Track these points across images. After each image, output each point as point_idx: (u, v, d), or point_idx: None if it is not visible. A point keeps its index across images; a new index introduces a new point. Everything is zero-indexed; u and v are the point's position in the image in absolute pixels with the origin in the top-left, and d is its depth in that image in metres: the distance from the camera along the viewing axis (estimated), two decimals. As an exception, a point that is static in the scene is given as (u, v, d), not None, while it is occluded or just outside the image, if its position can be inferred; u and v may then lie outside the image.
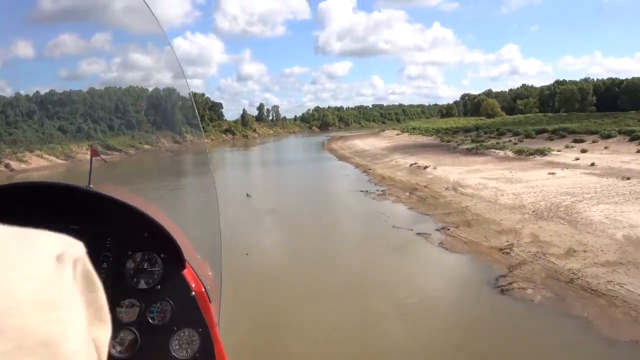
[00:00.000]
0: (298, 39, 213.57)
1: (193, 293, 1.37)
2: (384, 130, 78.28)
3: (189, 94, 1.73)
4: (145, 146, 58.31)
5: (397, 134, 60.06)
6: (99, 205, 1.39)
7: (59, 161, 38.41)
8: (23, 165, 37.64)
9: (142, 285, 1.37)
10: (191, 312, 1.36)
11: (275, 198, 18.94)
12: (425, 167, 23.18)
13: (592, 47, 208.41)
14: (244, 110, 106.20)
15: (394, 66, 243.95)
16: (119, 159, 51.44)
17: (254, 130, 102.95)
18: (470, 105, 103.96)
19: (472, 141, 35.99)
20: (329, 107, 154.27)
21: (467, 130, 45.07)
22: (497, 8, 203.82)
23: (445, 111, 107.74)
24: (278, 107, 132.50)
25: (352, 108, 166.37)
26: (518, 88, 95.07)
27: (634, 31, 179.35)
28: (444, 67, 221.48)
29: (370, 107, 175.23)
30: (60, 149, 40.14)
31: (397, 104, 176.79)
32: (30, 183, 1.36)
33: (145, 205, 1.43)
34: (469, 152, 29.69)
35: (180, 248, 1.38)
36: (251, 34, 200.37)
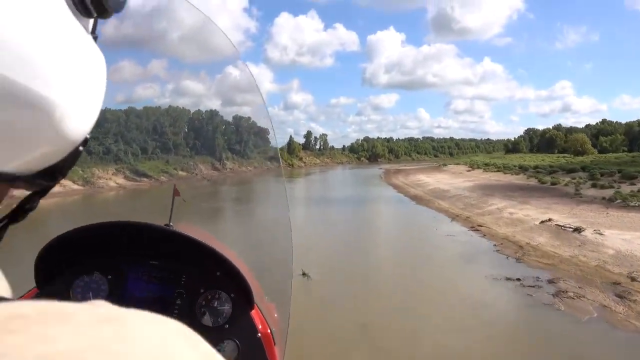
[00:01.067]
0: (345, 70, 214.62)
1: (259, 334, 1.36)
2: (445, 165, 69.68)
3: (266, 112, 1.67)
4: (180, 172, 51.85)
5: (468, 170, 51.41)
6: (177, 243, 1.43)
7: (75, 187, 33.00)
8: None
9: (212, 323, 1.38)
10: (256, 353, 1.35)
11: (350, 281, 11.00)
12: (579, 230, 14.78)
13: None
14: (290, 137, 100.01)
15: (440, 100, 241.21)
16: (147, 186, 45.30)
17: (301, 159, 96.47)
18: (540, 140, 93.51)
19: (593, 185, 27.09)
20: (377, 137, 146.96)
21: (569, 170, 35.99)
22: (551, 44, 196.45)
23: (512, 146, 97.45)
24: (326, 135, 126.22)
25: (401, 140, 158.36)
26: (598, 123, 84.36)
27: None
28: (493, 102, 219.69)
29: (421, 139, 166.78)
30: (80, 172, 34.67)
31: (442, 137, 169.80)
32: (113, 223, 1.38)
33: (220, 245, 1.44)
34: (609, 202, 20.94)
35: (250, 289, 1.38)
36: (300, 64, 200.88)
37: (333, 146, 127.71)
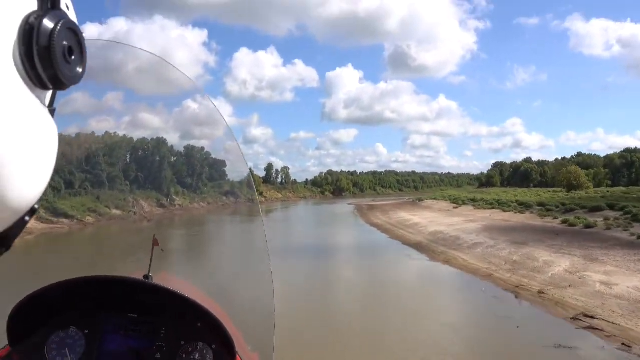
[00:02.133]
0: (305, 105, 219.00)
1: None
2: (421, 200, 63.33)
3: (232, 137, 1.79)
4: (114, 211, 43.44)
5: (455, 207, 44.97)
6: (156, 295, 1.40)
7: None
8: None
9: None
10: None
11: None
12: None
13: (595, 124, 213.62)
14: (250, 170, 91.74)
15: (398, 135, 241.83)
16: (66, 229, 36.25)
17: (261, 194, 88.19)
18: (512, 173, 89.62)
19: (625, 229, 20.81)
20: (341, 171, 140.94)
21: (593, 209, 29.81)
22: (502, 83, 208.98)
23: (485, 180, 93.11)
24: (288, 168, 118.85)
25: (365, 173, 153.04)
26: (573, 157, 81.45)
27: (636, 110, 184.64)
28: (448, 138, 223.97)
29: (384, 172, 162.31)
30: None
31: (403, 171, 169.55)
32: (90, 278, 1.37)
33: (198, 294, 1.43)
34: None
35: (232, 340, 1.36)
36: (260, 98, 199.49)
37: (295, 180, 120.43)
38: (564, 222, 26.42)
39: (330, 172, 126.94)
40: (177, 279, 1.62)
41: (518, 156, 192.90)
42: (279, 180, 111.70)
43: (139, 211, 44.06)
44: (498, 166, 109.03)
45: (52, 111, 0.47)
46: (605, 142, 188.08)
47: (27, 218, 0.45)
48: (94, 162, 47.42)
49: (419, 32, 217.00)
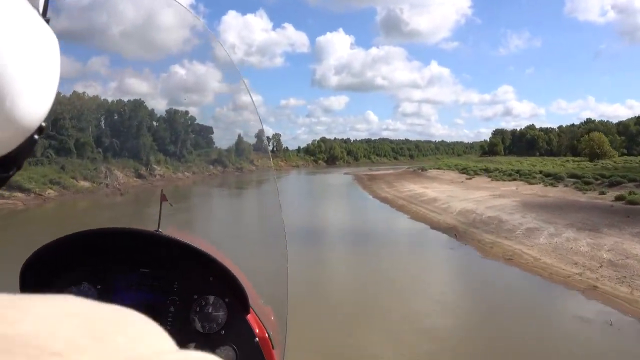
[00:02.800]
0: (295, 71, 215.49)
1: (257, 339, 1.34)
2: (424, 170, 58.66)
3: (249, 95, 1.57)
4: (82, 183, 35.11)
5: (468, 178, 40.36)
6: (168, 249, 1.41)
7: None
8: None
9: (207, 329, 1.35)
10: (255, 358, 1.33)
11: None
12: None
13: (586, 92, 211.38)
14: (239, 137, 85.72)
15: (389, 103, 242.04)
16: (21, 206, 30.36)
17: (251, 162, 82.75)
18: (515, 141, 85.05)
19: None
20: (335, 138, 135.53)
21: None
22: (495, 49, 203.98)
23: (489, 148, 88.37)
24: (280, 135, 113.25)
25: (359, 141, 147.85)
26: (582, 124, 76.70)
27: (627, 78, 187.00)
28: (439, 106, 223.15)
29: (377, 140, 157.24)
30: None
31: (398, 139, 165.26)
32: (100, 230, 1.38)
33: (211, 249, 1.42)
34: None
35: (245, 293, 1.35)
36: (249, 63, 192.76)
37: (287, 147, 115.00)
38: (618, 198, 21.86)
39: (323, 140, 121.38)
40: (188, 234, 1.49)
41: (508, 124, 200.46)
42: (270, 148, 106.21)
43: (111, 183, 38.49)
44: (499, 134, 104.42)
45: (47, 21, 0.44)
46: (596, 111, 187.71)
47: (36, 136, 0.45)
48: (60, 126, 41.40)
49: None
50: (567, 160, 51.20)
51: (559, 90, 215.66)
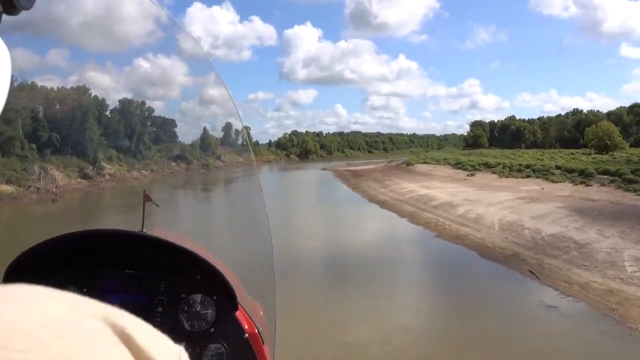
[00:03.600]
0: (263, 64, 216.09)
1: (246, 335, 1.35)
2: (410, 164, 53.53)
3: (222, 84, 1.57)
4: (4, 187, 27.38)
5: (469, 175, 35.29)
6: (153, 249, 1.42)
7: None
8: None
9: (196, 328, 1.35)
10: (245, 355, 1.34)
11: None
12: None
13: (549, 86, 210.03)
14: (204, 130, 78.66)
15: (358, 96, 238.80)
16: None
17: (218, 157, 75.97)
18: (499, 133, 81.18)
19: None
20: (306, 132, 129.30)
21: None
22: (462, 43, 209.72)
23: (472, 140, 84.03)
24: (249, 128, 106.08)
25: (331, 134, 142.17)
26: (569, 114, 72.90)
27: (588, 72, 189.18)
28: (407, 99, 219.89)
29: (349, 133, 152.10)
30: None
31: (371, 132, 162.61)
32: (84, 232, 1.38)
33: (197, 247, 1.42)
34: None
35: (233, 289, 1.36)
36: (216, 57, 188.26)
37: (257, 141, 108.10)
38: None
39: (295, 133, 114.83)
40: (172, 233, 1.51)
41: (474, 117, 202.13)
42: (239, 142, 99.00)
43: (45, 186, 31.14)
44: (477, 125, 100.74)
45: None
46: (557, 104, 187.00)
47: None
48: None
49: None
50: (573, 153, 46.92)
51: (523, 83, 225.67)
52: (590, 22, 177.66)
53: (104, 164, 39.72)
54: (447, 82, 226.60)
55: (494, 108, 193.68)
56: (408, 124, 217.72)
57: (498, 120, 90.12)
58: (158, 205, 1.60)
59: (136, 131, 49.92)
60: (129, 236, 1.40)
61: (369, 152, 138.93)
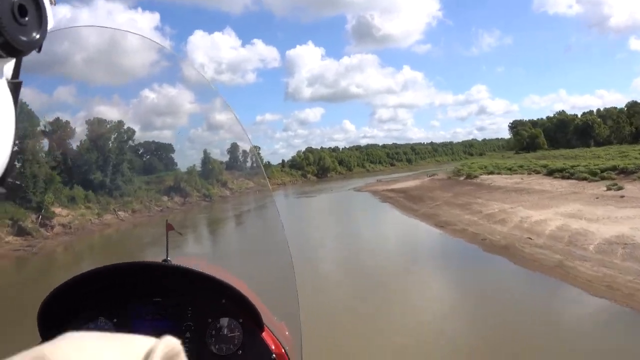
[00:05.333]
0: (268, 86, 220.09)
1: (274, 355, 1.35)
2: (473, 176, 40.92)
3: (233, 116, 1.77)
4: None
5: (612, 189, 22.66)
6: (178, 277, 1.44)
7: None
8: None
9: (224, 351, 1.37)
10: None
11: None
12: None
13: (557, 86, 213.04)
14: (204, 153, 65.53)
15: (365, 110, 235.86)
16: None
17: (224, 184, 63.77)
18: (558, 130, 68.06)
19: None
20: (321, 148, 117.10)
21: None
22: (468, 49, 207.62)
23: (527, 142, 70.28)
24: (259, 148, 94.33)
25: (348, 148, 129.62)
26: (585, 114, 60.09)
27: (598, 67, 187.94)
28: (414, 109, 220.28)
29: (367, 146, 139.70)
30: None
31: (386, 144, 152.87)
32: (112, 266, 1.39)
33: (221, 272, 1.44)
34: None
35: (258, 312, 1.37)
36: (220, 82, 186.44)
37: (269, 162, 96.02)
38: None
39: (310, 150, 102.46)
40: (195, 260, 1.58)
41: (483, 122, 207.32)
42: (248, 164, 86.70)
43: None
44: (519, 125, 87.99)
45: (16, 84, 0.42)
46: (567, 103, 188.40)
47: None
48: None
49: (381, 0, 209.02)
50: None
51: (531, 85, 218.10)
52: (596, 18, 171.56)
53: (55, 210, 27.40)
54: (454, 90, 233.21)
55: (502, 112, 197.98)
56: (417, 134, 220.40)
57: (548, 117, 77.15)
58: (181, 234, 1.57)
59: (110, 160, 37.79)
60: (155, 267, 1.39)
61: (391, 164, 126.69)
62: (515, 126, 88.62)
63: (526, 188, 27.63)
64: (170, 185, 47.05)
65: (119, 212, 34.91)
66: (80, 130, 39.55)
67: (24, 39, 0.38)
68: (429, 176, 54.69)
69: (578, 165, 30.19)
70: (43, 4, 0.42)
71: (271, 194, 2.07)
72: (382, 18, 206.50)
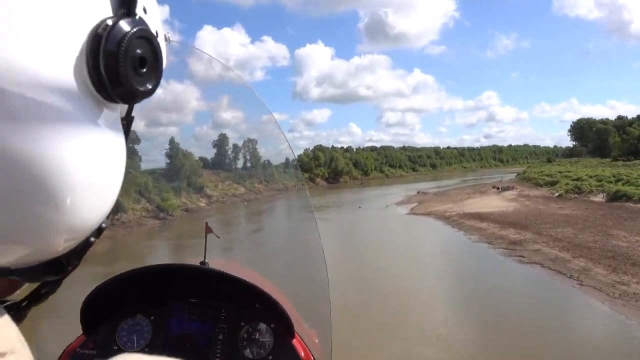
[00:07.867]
0: (276, 84, 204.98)
1: None
2: (581, 190, 22.64)
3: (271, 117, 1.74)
4: None
5: None
6: (214, 279, 1.48)
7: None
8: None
9: (255, 355, 1.39)
10: None
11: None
12: None
13: (569, 94, 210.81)
14: (171, 139, 45.90)
15: (372, 113, 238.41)
16: None
17: (201, 189, 44.96)
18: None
19: None
20: (332, 147, 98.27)
21: None
22: (483, 52, 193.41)
23: (593, 146, 51.55)
24: (256, 141, 75.78)
25: (363, 149, 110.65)
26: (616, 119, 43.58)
27: (613, 75, 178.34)
28: (423, 114, 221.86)
29: (385, 147, 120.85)
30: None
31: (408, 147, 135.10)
32: (153, 267, 1.44)
33: (255, 277, 1.47)
34: None
35: (290, 318, 1.39)
36: (228, 79, 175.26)
37: (269, 161, 77.31)
38: None
39: (320, 148, 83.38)
40: (232, 264, 1.63)
41: (491, 130, 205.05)
42: (242, 162, 67.80)
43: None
44: (583, 124, 69.52)
45: (128, 121, 0.45)
46: (578, 112, 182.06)
47: (92, 239, 0.44)
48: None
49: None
50: None
51: (542, 93, 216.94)
52: (616, 24, 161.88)
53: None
54: (465, 95, 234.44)
55: (511, 120, 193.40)
56: (423, 140, 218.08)
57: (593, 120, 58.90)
58: (219, 237, 1.63)
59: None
60: (192, 269, 1.45)
61: (413, 169, 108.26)
62: (580, 126, 69.95)
63: None
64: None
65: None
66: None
67: (141, 89, 0.41)
68: (497, 189, 36.32)
69: None
70: (161, 56, 0.44)
71: (308, 198, 1.92)
72: (397, 15, 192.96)
